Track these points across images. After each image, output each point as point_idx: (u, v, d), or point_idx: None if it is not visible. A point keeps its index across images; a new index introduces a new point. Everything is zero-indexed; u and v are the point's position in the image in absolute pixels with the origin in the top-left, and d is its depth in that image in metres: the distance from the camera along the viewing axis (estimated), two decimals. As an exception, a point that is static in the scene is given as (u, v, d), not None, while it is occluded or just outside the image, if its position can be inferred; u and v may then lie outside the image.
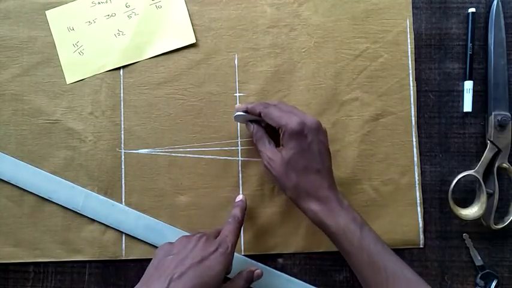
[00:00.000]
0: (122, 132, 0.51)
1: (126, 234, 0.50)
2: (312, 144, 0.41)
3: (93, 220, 0.50)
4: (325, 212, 0.40)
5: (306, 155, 0.41)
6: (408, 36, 0.51)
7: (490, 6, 0.50)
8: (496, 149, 0.48)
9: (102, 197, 0.50)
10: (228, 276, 0.43)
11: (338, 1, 0.52)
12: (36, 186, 0.50)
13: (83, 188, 0.50)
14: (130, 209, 0.50)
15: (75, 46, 0.52)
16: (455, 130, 0.51)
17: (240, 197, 0.48)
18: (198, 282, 0.36)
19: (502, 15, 0.50)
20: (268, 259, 0.49)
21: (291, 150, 0.41)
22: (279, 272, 0.49)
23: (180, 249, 0.40)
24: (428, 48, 0.51)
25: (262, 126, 0.46)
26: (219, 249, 0.39)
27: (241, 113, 0.46)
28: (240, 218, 0.44)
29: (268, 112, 0.43)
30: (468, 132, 0.51)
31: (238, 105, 0.48)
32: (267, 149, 0.43)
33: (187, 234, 0.47)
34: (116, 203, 0.50)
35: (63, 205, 0.50)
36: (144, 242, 0.49)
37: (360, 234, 0.39)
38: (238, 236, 0.43)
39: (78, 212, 0.50)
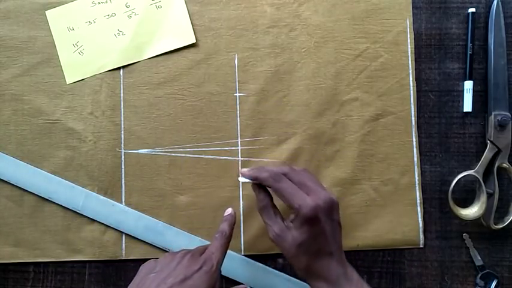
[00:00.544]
0: (122, 132, 0.51)
1: (126, 234, 0.50)
2: (325, 226, 0.39)
3: (93, 220, 0.50)
4: None
5: (319, 238, 0.39)
6: (408, 36, 0.51)
7: (490, 6, 0.50)
8: (496, 149, 0.48)
9: (102, 197, 0.50)
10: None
11: (338, 1, 0.52)
12: (36, 186, 0.50)
13: (83, 188, 0.50)
14: (130, 209, 0.50)
15: (75, 46, 0.52)
16: (455, 130, 0.51)
17: (229, 211, 0.46)
18: None
19: (502, 15, 0.50)
20: (268, 259, 0.49)
21: (304, 234, 0.38)
22: (279, 272, 0.49)
23: (163, 267, 0.39)
24: (428, 48, 0.51)
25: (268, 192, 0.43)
26: (203, 267, 0.38)
27: (246, 180, 0.43)
28: (227, 233, 0.42)
29: (280, 188, 0.39)
30: (468, 132, 0.51)
31: (244, 170, 0.43)
32: (274, 223, 0.40)
33: (172, 253, 0.42)
34: (116, 203, 0.50)
35: (63, 205, 0.50)
36: (144, 242, 0.49)
37: None
38: (225, 252, 0.41)
39: (78, 212, 0.50)
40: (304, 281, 0.48)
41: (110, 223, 0.50)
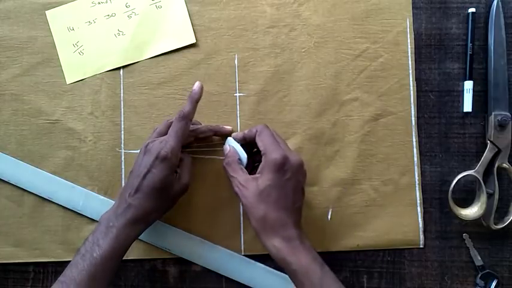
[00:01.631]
0: (122, 132, 0.51)
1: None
2: (288, 181, 0.41)
3: (93, 220, 0.50)
4: (288, 249, 0.39)
5: (280, 190, 0.40)
6: (408, 36, 0.51)
7: (490, 6, 0.50)
8: (496, 149, 0.48)
9: (102, 197, 0.50)
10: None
11: (338, 1, 0.52)
12: (36, 186, 0.50)
13: (83, 188, 0.50)
14: None
15: (75, 46, 0.52)
16: (455, 130, 0.51)
17: (197, 84, 0.45)
18: (148, 193, 0.41)
19: (502, 15, 0.50)
20: (268, 259, 0.49)
21: (268, 181, 0.40)
22: (278, 272, 0.49)
23: (134, 167, 0.43)
24: (428, 48, 0.51)
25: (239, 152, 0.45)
26: (158, 158, 0.41)
27: (234, 142, 0.46)
28: (185, 113, 0.43)
29: (263, 134, 0.43)
30: (468, 132, 0.50)
31: (236, 133, 0.48)
32: (239, 175, 0.42)
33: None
34: None
35: (63, 205, 0.50)
36: (144, 242, 0.49)
37: (320, 273, 0.39)
38: (182, 135, 0.43)
39: (78, 212, 0.50)
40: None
41: None
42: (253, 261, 0.49)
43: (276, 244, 0.40)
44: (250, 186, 0.41)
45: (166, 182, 0.42)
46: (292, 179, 0.41)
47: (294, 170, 0.41)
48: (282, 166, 0.40)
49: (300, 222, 0.42)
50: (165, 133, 0.44)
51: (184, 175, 0.45)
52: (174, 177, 0.44)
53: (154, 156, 0.41)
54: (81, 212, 0.50)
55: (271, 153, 0.41)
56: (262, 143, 0.43)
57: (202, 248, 0.49)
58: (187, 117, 0.43)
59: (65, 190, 0.50)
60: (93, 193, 0.50)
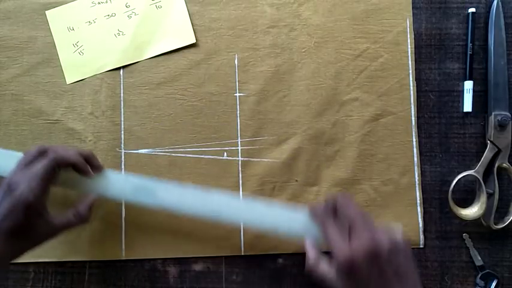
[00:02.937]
0: (122, 132, 0.51)
1: (126, 234, 0.49)
2: (369, 277, 0.33)
3: (93, 220, 0.50)
4: None
5: None
6: (408, 36, 0.51)
7: (490, 6, 0.50)
8: (496, 149, 0.48)
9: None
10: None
11: (338, 1, 0.52)
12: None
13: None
14: (115, 172, 0.47)
15: (75, 46, 0.52)
16: (455, 130, 0.51)
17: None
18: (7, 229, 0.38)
19: (502, 15, 0.50)
20: (268, 259, 0.49)
21: (339, 285, 0.35)
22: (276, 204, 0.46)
23: None
24: (428, 48, 0.51)
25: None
26: (19, 202, 0.38)
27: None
28: (57, 159, 0.40)
29: (325, 229, 0.37)
30: (468, 132, 0.51)
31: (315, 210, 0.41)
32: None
33: None
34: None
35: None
36: (144, 242, 0.49)
37: None
38: (49, 177, 0.40)
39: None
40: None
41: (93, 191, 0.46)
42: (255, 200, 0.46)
43: None
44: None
45: (24, 228, 0.38)
46: (374, 271, 0.33)
47: (373, 261, 0.33)
48: (351, 269, 0.33)
49: None
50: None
51: (57, 217, 0.41)
52: (39, 221, 0.39)
53: (15, 199, 0.38)
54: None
55: (335, 257, 0.34)
56: (326, 241, 0.36)
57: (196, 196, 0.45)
58: (59, 163, 0.40)
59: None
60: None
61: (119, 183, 0.46)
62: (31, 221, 0.39)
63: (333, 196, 0.39)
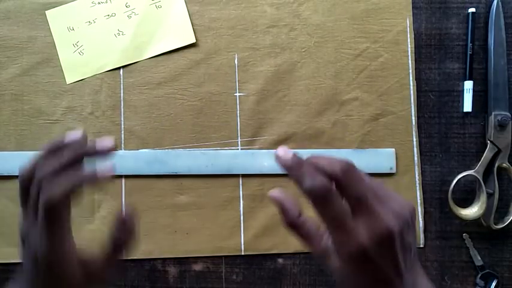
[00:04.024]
0: (122, 132, 0.51)
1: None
2: (381, 262, 0.27)
3: (93, 220, 0.50)
4: None
5: (370, 274, 0.27)
6: (408, 36, 0.51)
7: (490, 6, 0.50)
8: (496, 149, 0.48)
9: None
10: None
11: (338, 1, 0.52)
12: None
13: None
14: (125, 151, 0.50)
15: (75, 46, 0.52)
16: (455, 130, 0.51)
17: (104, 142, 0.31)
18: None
19: (502, 15, 0.50)
20: (268, 259, 0.49)
21: (346, 272, 0.28)
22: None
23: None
24: (428, 48, 0.51)
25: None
26: (38, 262, 0.31)
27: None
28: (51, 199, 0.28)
29: (327, 206, 0.28)
30: (468, 132, 0.50)
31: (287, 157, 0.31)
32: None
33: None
34: None
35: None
36: (144, 242, 0.49)
37: None
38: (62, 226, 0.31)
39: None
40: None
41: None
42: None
43: None
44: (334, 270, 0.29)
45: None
46: (387, 255, 0.27)
47: (388, 245, 0.27)
48: (361, 258, 0.27)
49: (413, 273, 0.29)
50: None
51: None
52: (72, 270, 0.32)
53: (32, 258, 0.31)
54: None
55: (339, 245, 0.28)
56: (326, 222, 0.28)
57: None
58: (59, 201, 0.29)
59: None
60: (93, 193, 0.50)
61: (132, 160, 0.50)
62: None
63: (331, 163, 0.29)
